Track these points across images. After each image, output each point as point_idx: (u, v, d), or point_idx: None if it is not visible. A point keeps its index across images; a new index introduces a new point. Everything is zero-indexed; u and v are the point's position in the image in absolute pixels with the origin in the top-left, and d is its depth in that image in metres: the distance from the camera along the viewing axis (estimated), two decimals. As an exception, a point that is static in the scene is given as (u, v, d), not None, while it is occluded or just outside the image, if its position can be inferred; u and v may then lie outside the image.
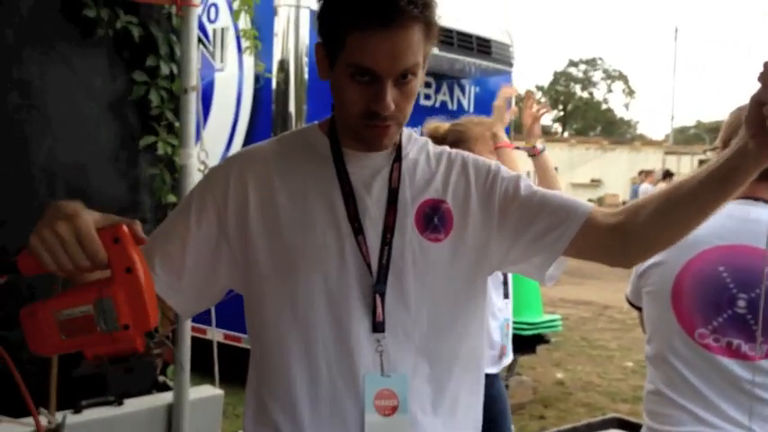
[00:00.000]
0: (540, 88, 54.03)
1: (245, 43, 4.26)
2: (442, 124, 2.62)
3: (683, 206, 1.15)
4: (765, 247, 1.64)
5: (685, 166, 23.09)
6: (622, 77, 53.23)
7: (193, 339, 3.21)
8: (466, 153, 1.34)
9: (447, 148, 1.35)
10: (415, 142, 1.32)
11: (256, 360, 1.29)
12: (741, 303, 1.68)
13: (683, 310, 1.73)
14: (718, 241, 1.69)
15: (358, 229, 1.21)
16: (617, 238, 1.21)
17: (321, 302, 1.20)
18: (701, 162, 1.92)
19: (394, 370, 1.19)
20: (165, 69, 3.28)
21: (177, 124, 3.36)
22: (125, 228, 1.00)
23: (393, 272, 1.21)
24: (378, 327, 1.19)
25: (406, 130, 1.31)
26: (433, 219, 1.24)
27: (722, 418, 1.66)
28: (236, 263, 1.25)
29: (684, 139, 42.28)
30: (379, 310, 1.19)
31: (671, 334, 1.73)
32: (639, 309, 1.90)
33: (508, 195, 1.26)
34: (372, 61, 1.12)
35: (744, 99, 1.75)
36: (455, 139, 2.41)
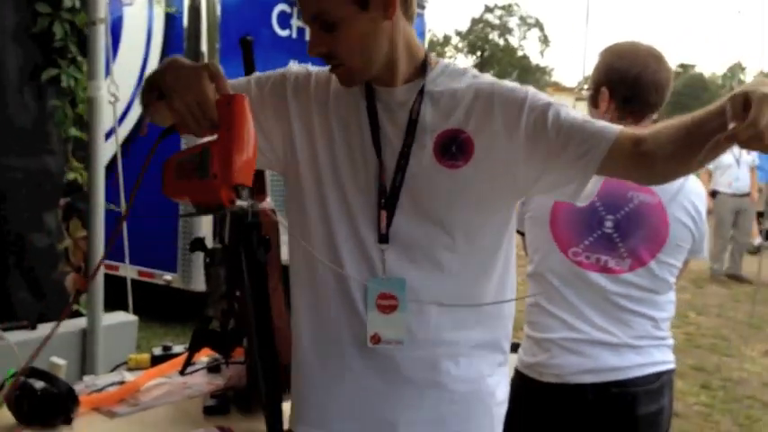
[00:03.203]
0: (458, 33, 54.21)
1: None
2: None
3: (696, 151, 1.18)
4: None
5: (594, 113, 23.77)
6: (538, 24, 53.89)
7: (107, 276, 3.27)
8: (499, 83, 1.38)
9: (484, 77, 1.39)
10: (448, 74, 1.39)
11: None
12: (608, 224, 1.88)
13: (559, 232, 1.91)
14: None
15: (379, 153, 1.35)
16: (641, 162, 1.27)
17: (343, 214, 1.37)
18: (577, 99, 2.09)
19: (396, 275, 1.34)
20: (67, 2, 3.24)
21: (80, 58, 3.35)
22: (240, 97, 1.17)
23: (406, 192, 1.34)
24: (381, 238, 1.34)
25: (441, 63, 1.40)
26: (452, 147, 1.33)
27: (589, 324, 1.87)
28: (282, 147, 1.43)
29: (595, 86, 43.17)
30: (383, 224, 1.34)
31: (549, 253, 1.92)
32: (522, 234, 2.08)
33: (537, 127, 1.31)
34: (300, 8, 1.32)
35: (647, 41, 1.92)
36: None
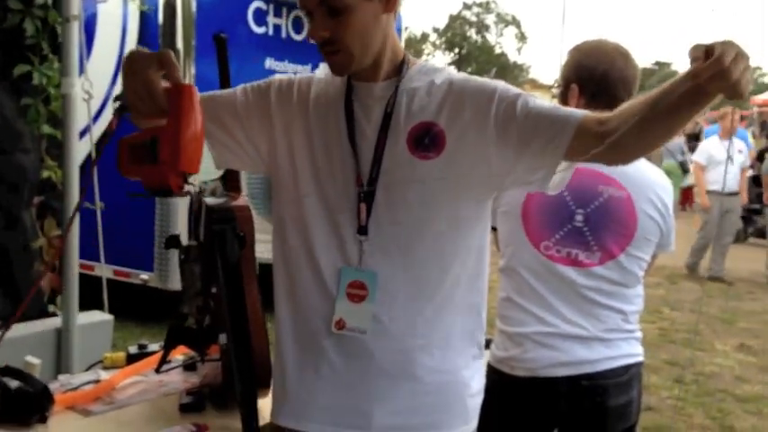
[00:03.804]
0: (436, 30, 54.32)
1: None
2: None
3: (661, 121, 1.25)
4: (598, 169, 1.89)
5: (571, 110, 23.97)
6: (515, 22, 54.10)
7: (82, 276, 3.25)
8: (470, 78, 1.44)
9: (456, 74, 1.45)
10: (425, 72, 1.44)
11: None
12: (579, 218, 1.91)
13: (531, 227, 1.94)
14: None
15: (354, 148, 1.40)
16: (607, 144, 1.29)
17: (320, 207, 1.41)
18: (553, 96, 2.12)
19: (370, 267, 1.38)
20: None
21: (52, 55, 3.33)
22: (188, 86, 1.21)
23: (382, 184, 1.38)
24: (361, 230, 1.39)
25: (419, 63, 1.46)
26: (424, 139, 1.38)
27: (560, 318, 1.90)
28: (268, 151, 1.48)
29: (572, 83, 43.41)
30: (363, 215, 1.38)
31: (521, 247, 1.95)
32: (494, 229, 2.11)
33: (506, 116, 1.36)
34: None
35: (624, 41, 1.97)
36: None
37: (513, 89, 1.41)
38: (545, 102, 1.40)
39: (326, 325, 1.41)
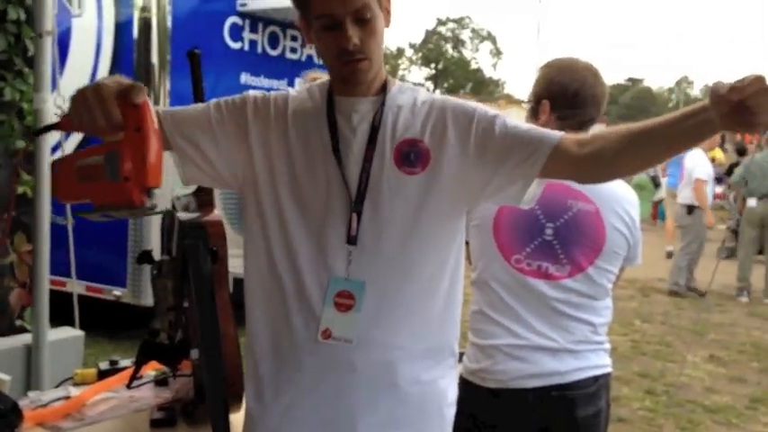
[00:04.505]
0: (412, 46, 54.66)
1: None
2: (321, 75, 2.82)
3: (648, 149, 1.31)
4: (568, 183, 1.92)
5: (545, 125, 24.18)
6: (490, 37, 54.65)
7: (53, 293, 3.22)
8: (450, 99, 1.51)
9: (436, 95, 1.52)
10: (405, 91, 1.50)
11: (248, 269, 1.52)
12: (548, 231, 1.94)
13: (502, 240, 1.97)
14: None
15: (340, 160, 1.43)
16: (584, 166, 1.38)
17: (300, 220, 1.43)
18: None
19: (357, 277, 1.41)
20: (12, 14, 3.21)
21: (26, 70, 3.32)
22: (146, 102, 1.18)
23: (370, 196, 1.42)
24: (351, 240, 1.41)
25: (398, 82, 1.51)
26: (410, 155, 1.43)
27: (530, 330, 1.92)
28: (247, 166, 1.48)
29: (546, 99, 43.88)
30: (354, 225, 1.41)
31: (492, 260, 1.98)
32: (466, 243, 2.13)
33: (485, 135, 1.42)
34: (329, 7, 1.36)
35: (596, 61, 2.01)
36: None
37: (491, 110, 1.48)
38: (521, 122, 1.47)
39: (308, 337, 1.42)
